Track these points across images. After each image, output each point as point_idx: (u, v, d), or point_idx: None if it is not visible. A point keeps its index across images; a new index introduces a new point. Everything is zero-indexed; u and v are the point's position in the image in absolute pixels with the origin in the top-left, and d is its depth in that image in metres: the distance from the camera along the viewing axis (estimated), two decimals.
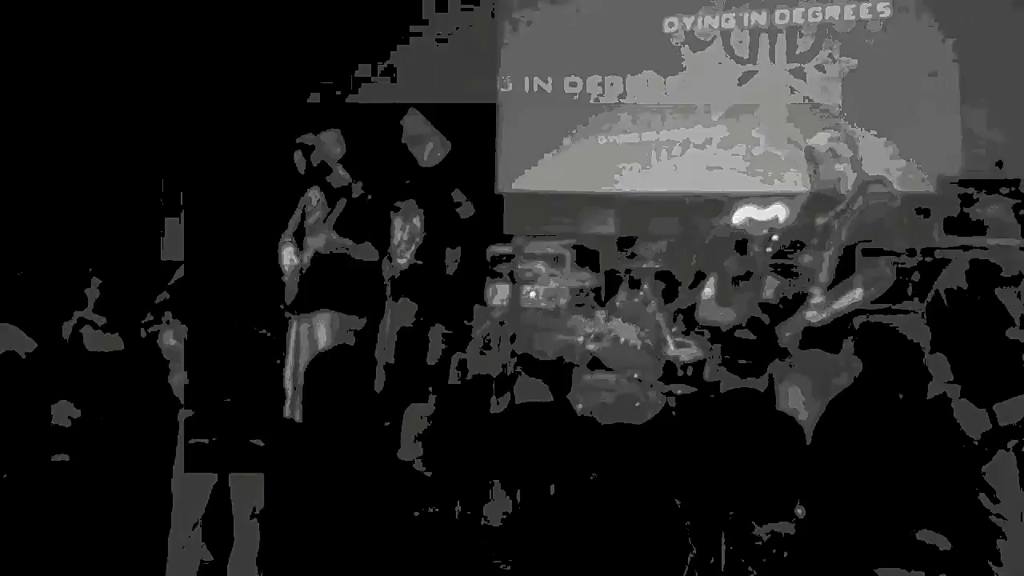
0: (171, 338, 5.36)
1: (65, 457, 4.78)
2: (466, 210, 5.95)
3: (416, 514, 4.36)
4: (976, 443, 3.94)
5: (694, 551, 3.87)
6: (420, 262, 5.89)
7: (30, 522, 4.43)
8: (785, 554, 3.98)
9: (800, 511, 4.02)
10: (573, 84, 7.67)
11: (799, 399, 4.46)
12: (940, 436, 3.90)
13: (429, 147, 6.14)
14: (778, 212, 5.40)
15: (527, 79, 7.78)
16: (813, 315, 4.53)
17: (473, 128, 7.16)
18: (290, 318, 5.74)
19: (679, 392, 5.19)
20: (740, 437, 4.04)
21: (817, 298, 4.47)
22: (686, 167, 7.48)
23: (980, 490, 3.97)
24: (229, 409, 4.25)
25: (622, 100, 7.59)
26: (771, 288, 4.78)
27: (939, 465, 3.81)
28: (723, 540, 3.99)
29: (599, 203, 7.67)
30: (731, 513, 3.99)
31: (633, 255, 6.20)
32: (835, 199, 4.67)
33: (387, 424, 4.74)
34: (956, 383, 4.05)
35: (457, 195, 5.96)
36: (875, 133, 6.68)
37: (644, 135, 7.57)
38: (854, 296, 4.43)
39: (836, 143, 4.72)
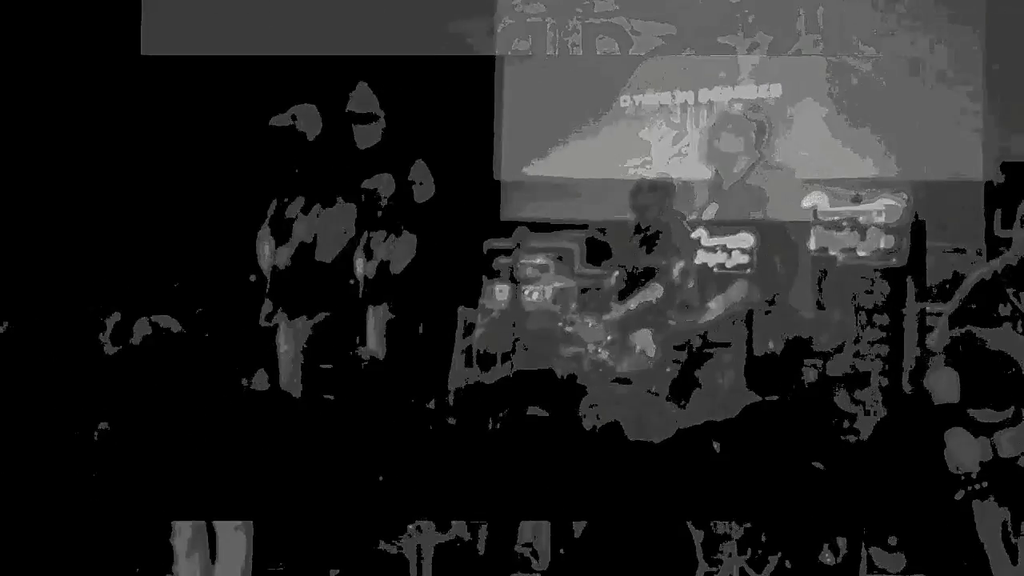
0: None
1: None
2: (423, 191, 5.47)
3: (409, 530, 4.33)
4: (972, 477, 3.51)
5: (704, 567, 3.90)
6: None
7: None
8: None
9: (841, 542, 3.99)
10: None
11: None
12: None
13: (369, 128, 5.72)
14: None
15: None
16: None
17: (468, 98, 6.95)
18: (272, 320, 5.58)
19: None
20: (755, 451, 4.02)
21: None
22: None
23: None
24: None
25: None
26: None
27: None
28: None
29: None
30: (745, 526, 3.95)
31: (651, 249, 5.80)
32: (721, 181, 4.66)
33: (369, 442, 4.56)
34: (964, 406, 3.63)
35: (418, 170, 5.46)
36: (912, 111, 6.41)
37: (677, 95, 7.13)
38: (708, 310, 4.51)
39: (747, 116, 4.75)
